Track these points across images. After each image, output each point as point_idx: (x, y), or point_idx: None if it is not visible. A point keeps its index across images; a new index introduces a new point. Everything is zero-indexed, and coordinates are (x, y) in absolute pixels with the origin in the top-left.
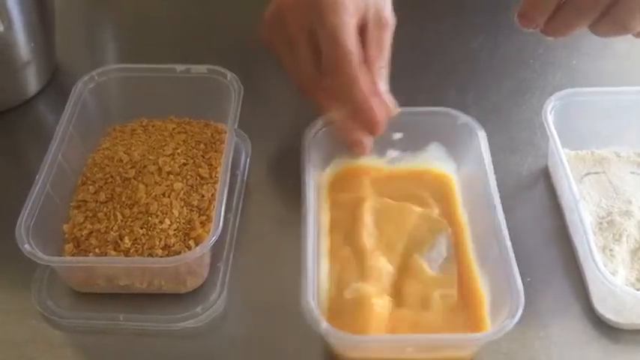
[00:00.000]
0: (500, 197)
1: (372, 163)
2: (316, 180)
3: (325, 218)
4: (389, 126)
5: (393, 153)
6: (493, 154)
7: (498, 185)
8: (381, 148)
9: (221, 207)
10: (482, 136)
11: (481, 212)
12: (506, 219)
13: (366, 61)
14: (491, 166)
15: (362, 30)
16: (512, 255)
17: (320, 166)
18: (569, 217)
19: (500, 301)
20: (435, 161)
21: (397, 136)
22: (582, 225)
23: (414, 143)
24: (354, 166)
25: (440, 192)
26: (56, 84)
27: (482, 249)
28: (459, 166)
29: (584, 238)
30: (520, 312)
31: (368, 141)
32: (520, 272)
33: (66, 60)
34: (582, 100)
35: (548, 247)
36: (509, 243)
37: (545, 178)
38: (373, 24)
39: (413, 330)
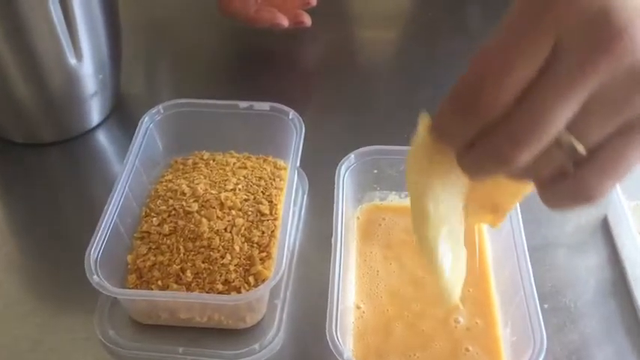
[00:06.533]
0: (559, 247)
1: (402, 200)
2: (348, 214)
3: (354, 253)
4: None
5: None
6: None
7: (557, 235)
8: None
9: (284, 246)
10: None
11: (508, 257)
12: (565, 269)
13: None
14: (518, 210)
15: None
16: (536, 300)
17: (353, 200)
18: (631, 270)
19: (523, 346)
20: None
21: None
22: None
23: None
24: (385, 204)
25: (469, 235)
26: (116, 115)
27: (507, 294)
28: None
29: None
30: (541, 358)
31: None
32: (578, 324)
33: (125, 92)
34: None
35: (608, 299)
36: (534, 288)
37: (604, 228)
38: None
39: None
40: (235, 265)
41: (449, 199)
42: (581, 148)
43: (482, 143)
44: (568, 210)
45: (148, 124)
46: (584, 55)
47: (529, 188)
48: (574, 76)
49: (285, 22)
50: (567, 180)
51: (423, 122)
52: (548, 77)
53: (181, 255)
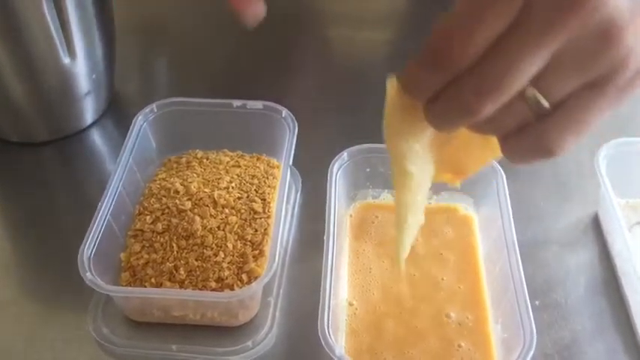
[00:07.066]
0: (550, 244)
1: (393, 199)
2: (341, 212)
3: (347, 251)
4: None
5: None
6: (543, 200)
7: (548, 232)
8: None
9: (276, 244)
10: (500, 176)
11: (499, 253)
12: (556, 266)
13: None
14: (509, 207)
15: None
16: (527, 297)
17: (346, 198)
18: (621, 266)
19: (513, 342)
20: (456, 200)
21: None
22: (637, 276)
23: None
24: (377, 202)
25: (461, 232)
26: (110, 114)
27: (498, 291)
28: (479, 206)
29: (637, 289)
30: (531, 354)
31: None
32: (569, 321)
33: (120, 91)
34: (633, 150)
35: (598, 296)
36: (524, 284)
37: (595, 225)
38: None
39: None
40: (228, 263)
41: (425, 159)
42: (544, 103)
43: (448, 94)
44: (529, 163)
45: (142, 123)
46: (554, 11)
47: (496, 155)
48: (542, 32)
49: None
50: (529, 133)
51: (391, 83)
52: (516, 32)
53: (175, 253)
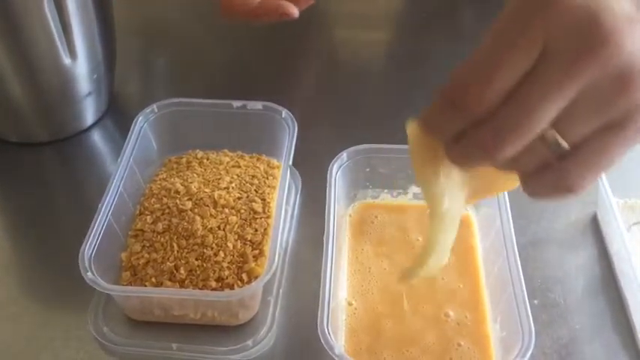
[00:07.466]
0: (549, 244)
1: (395, 199)
2: (341, 212)
3: (346, 251)
4: None
5: (415, 189)
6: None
7: (547, 232)
8: (404, 184)
9: (276, 244)
10: None
11: (498, 253)
12: (554, 266)
13: None
14: (508, 207)
15: None
16: (525, 296)
17: (346, 198)
18: (619, 266)
19: (512, 341)
20: None
21: None
22: (635, 276)
23: None
24: (377, 202)
25: (460, 232)
26: (111, 115)
27: (497, 290)
28: (478, 206)
29: (635, 289)
30: (530, 352)
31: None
32: (567, 320)
33: (120, 91)
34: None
35: (597, 295)
36: (523, 284)
37: (594, 225)
38: None
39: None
40: (228, 263)
41: (455, 193)
42: (564, 144)
43: (469, 136)
44: (549, 200)
45: (142, 124)
46: (571, 58)
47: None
48: (560, 78)
49: (295, 10)
50: (550, 172)
51: (411, 127)
52: (535, 78)
53: (175, 252)
